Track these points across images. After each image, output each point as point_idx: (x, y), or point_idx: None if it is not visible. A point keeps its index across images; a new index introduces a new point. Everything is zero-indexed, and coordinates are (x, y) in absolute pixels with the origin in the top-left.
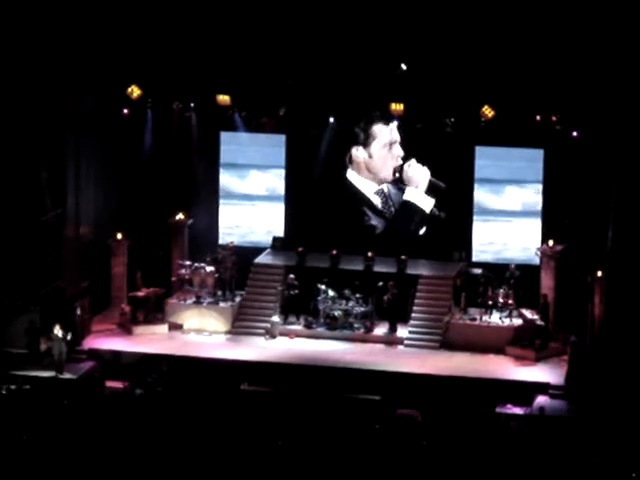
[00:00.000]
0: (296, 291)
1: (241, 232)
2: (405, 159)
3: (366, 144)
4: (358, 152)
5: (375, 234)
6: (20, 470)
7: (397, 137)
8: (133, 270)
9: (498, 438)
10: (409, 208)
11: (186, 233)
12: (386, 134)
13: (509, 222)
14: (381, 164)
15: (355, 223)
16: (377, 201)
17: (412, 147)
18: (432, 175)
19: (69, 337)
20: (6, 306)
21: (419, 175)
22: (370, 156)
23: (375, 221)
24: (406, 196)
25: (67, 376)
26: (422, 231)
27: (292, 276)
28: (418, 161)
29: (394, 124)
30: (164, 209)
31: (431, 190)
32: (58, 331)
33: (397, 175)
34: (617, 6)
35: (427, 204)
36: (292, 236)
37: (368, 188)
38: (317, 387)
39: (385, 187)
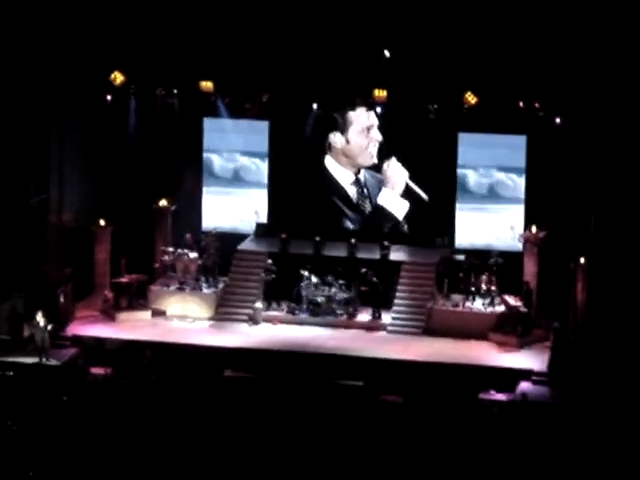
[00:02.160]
0: (273, 276)
1: (224, 218)
2: (386, 154)
3: (343, 130)
4: (336, 138)
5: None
6: (4, 456)
7: (375, 121)
8: (117, 256)
9: (481, 424)
10: (382, 212)
11: (169, 219)
12: (363, 119)
13: (492, 208)
14: (358, 149)
15: (333, 212)
16: (352, 192)
17: (395, 133)
18: (414, 172)
19: (50, 327)
20: None
21: (397, 176)
22: (347, 142)
23: (349, 220)
24: (380, 200)
25: (50, 362)
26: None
27: (270, 261)
28: (398, 159)
29: (369, 109)
30: (147, 195)
31: (409, 195)
32: (40, 319)
33: (376, 161)
34: None
35: (401, 210)
36: (275, 222)
37: (344, 177)
38: (300, 373)
39: (362, 175)
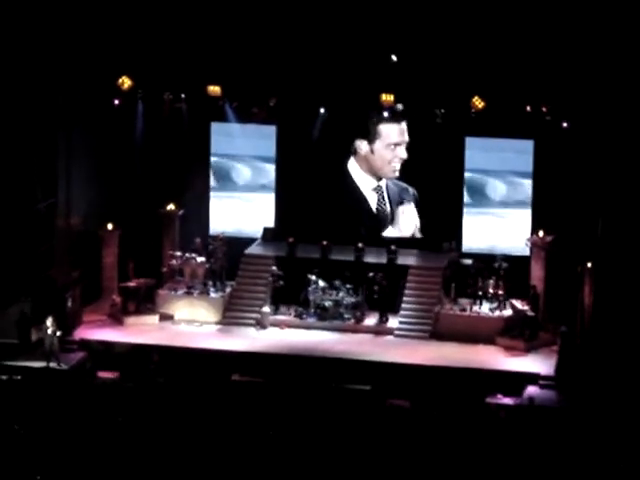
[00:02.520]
0: (281, 282)
1: (232, 223)
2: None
3: (371, 140)
4: (362, 145)
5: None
6: (11, 460)
7: (405, 139)
8: (124, 260)
9: (488, 428)
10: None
11: (177, 224)
12: (394, 135)
13: (499, 213)
14: (380, 163)
15: (348, 213)
16: (373, 199)
17: None
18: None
19: (58, 333)
20: None
21: (408, 224)
22: (372, 152)
23: (363, 225)
24: (385, 233)
25: (58, 367)
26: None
27: (274, 268)
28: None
29: (404, 124)
30: (155, 199)
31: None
32: (50, 324)
33: (397, 175)
34: None
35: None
36: (283, 227)
37: (366, 183)
38: (308, 377)
39: (384, 183)
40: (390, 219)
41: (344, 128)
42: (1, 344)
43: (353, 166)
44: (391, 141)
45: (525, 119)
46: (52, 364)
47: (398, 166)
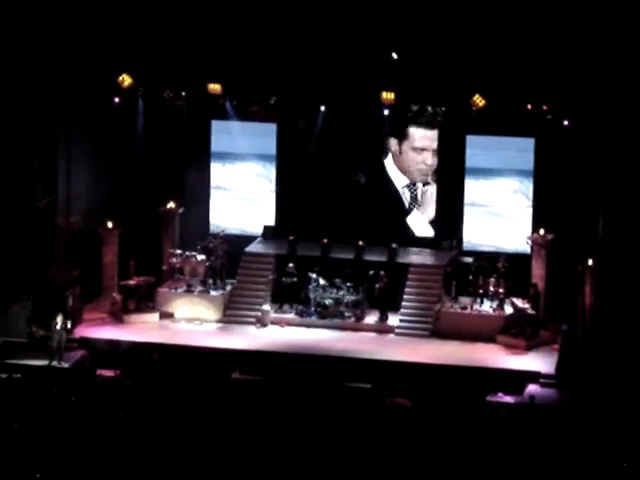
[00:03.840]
0: (294, 279)
1: (231, 221)
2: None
3: (401, 139)
4: (391, 143)
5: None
6: (11, 458)
7: (433, 145)
8: (124, 259)
9: (488, 426)
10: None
11: (177, 222)
12: (421, 139)
13: (500, 211)
14: (406, 164)
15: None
16: (407, 195)
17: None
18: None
19: (69, 325)
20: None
21: (431, 206)
22: (400, 152)
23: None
24: (411, 218)
25: (60, 365)
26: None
27: (291, 265)
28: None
29: (436, 132)
30: (155, 198)
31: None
32: (60, 321)
33: (426, 180)
34: None
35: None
36: (283, 225)
37: (399, 179)
38: (308, 376)
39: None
40: (416, 203)
41: (344, 126)
42: (2, 342)
43: (388, 163)
44: (418, 144)
45: (526, 117)
46: (54, 362)
47: (424, 171)
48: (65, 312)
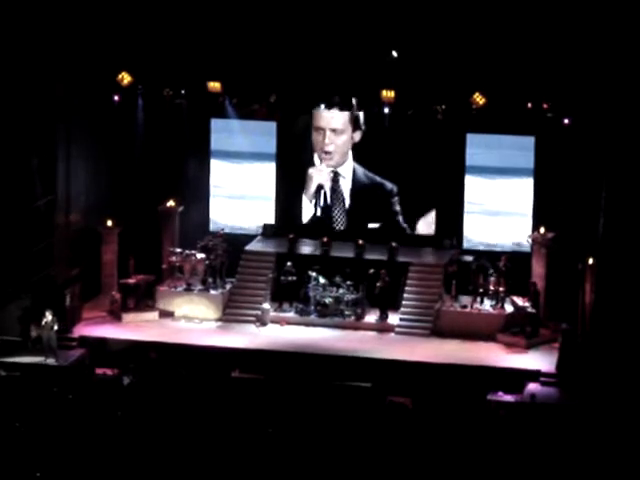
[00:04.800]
0: (294, 278)
1: (231, 219)
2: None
3: None
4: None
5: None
6: (11, 457)
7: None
8: (124, 257)
9: (489, 425)
10: None
11: (177, 220)
12: (318, 119)
13: (500, 210)
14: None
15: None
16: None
17: (402, 134)
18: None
19: (56, 327)
20: None
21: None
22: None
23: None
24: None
25: (55, 362)
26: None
27: (289, 263)
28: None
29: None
30: (155, 196)
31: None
32: (48, 318)
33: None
34: None
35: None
36: (283, 223)
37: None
38: (308, 374)
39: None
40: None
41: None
42: (1, 341)
43: None
44: (315, 124)
45: (526, 116)
46: (49, 360)
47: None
48: (62, 311)
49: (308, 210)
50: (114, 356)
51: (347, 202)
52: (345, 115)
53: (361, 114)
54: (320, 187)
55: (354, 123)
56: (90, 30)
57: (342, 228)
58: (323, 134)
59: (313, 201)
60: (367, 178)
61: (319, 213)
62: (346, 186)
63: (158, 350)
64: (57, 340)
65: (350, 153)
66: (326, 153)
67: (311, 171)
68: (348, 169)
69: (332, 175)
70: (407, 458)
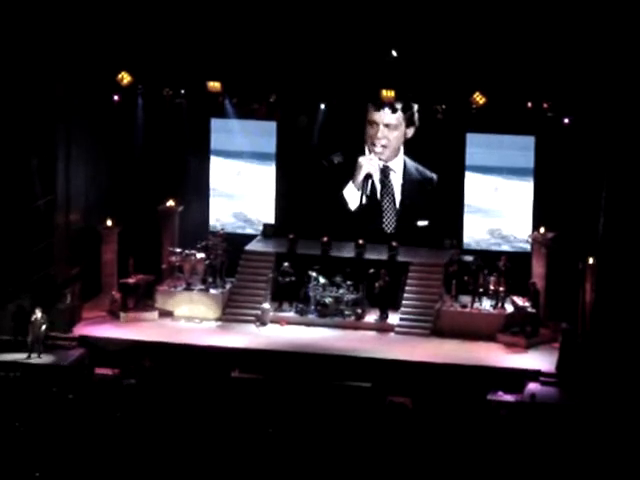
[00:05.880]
0: (292, 278)
1: (231, 219)
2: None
3: None
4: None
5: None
6: (10, 457)
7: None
8: (124, 257)
9: (489, 425)
10: None
11: (177, 220)
12: (372, 112)
13: (500, 209)
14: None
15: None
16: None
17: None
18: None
19: (44, 327)
20: None
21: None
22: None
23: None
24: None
25: (38, 361)
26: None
27: (287, 264)
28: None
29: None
30: (155, 196)
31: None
32: (37, 315)
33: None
34: None
35: None
36: (283, 223)
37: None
38: (308, 374)
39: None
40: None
41: (344, 125)
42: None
43: None
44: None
45: (526, 115)
46: (33, 355)
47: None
48: (60, 311)
49: (354, 199)
50: (114, 356)
51: (397, 199)
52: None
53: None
54: (369, 176)
55: (408, 119)
56: (90, 30)
57: (392, 231)
58: (377, 128)
59: (360, 190)
60: (418, 172)
61: (365, 201)
62: (397, 181)
63: (156, 351)
64: (49, 339)
65: (402, 148)
66: (379, 147)
67: (361, 159)
68: (399, 164)
69: (382, 168)
70: (407, 458)
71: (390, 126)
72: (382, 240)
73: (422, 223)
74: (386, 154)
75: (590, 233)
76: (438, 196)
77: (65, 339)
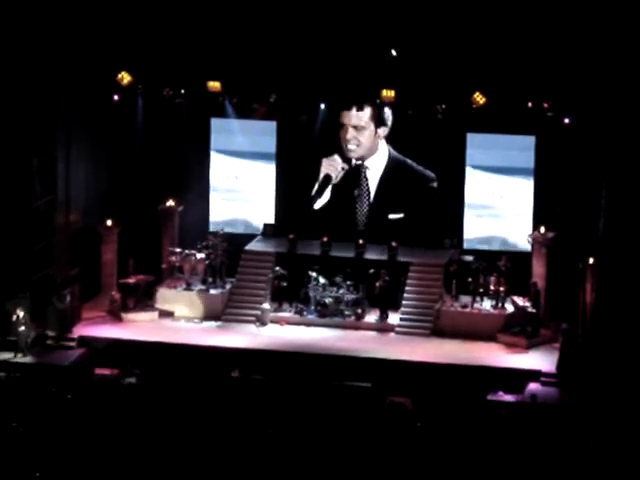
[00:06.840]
0: (285, 284)
1: (231, 219)
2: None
3: None
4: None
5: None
6: (10, 457)
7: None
8: (124, 257)
9: (489, 425)
10: None
11: (177, 220)
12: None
13: (500, 209)
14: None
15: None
16: None
17: (403, 134)
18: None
19: (23, 327)
20: None
21: None
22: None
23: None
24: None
25: (26, 360)
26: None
27: (278, 268)
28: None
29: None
30: (155, 196)
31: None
32: (19, 315)
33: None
34: None
35: None
36: (283, 223)
37: None
38: (308, 374)
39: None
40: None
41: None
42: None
43: None
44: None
45: (527, 115)
46: (18, 357)
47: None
48: (59, 311)
49: (321, 199)
50: (114, 356)
51: (372, 196)
52: (367, 112)
53: (387, 110)
54: (328, 177)
55: (377, 119)
56: (90, 30)
57: (362, 228)
58: (346, 130)
59: (316, 190)
60: (406, 166)
61: (325, 201)
62: (374, 178)
63: (154, 352)
64: (48, 339)
65: (381, 144)
66: (352, 146)
67: (323, 161)
68: (376, 161)
69: (355, 166)
70: (407, 458)
71: (358, 127)
72: (350, 237)
73: (394, 216)
74: (359, 152)
75: (590, 233)
76: (438, 196)
77: (65, 339)
